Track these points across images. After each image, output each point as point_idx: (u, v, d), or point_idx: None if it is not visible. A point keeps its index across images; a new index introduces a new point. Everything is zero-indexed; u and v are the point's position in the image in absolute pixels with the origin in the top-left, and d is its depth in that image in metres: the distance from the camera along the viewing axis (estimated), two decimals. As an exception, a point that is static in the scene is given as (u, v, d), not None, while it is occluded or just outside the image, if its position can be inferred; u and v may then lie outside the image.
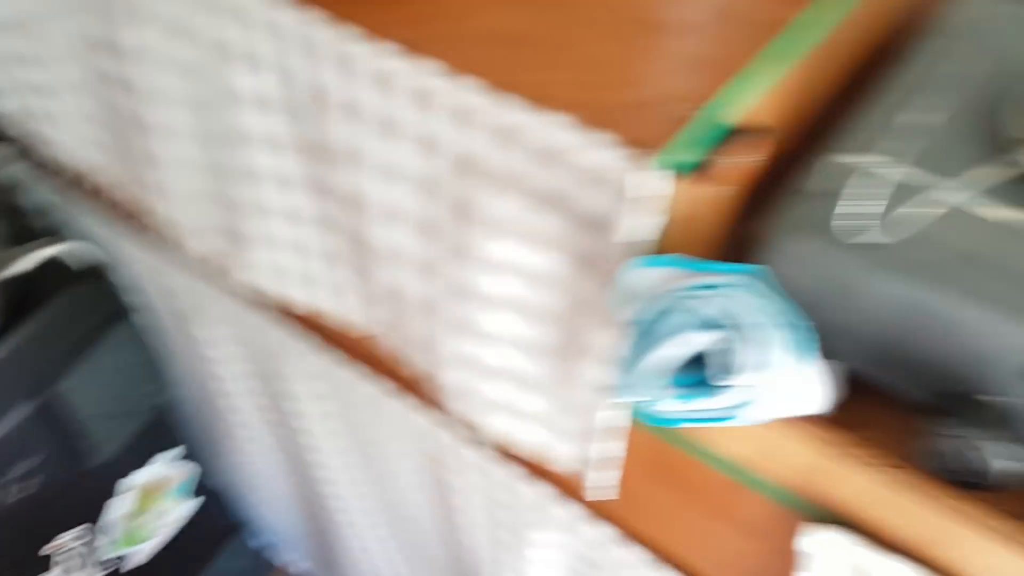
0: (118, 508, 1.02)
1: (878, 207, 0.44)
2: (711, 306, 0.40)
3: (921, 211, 0.43)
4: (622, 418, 0.52)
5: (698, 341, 0.40)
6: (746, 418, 0.40)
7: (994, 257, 0.43)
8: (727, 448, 0.49)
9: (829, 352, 0.48)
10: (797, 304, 0.47)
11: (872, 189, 0.44)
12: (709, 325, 0.40)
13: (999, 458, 0.41)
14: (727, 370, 0.39)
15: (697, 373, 0.41)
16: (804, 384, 0.44)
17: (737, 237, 0.49)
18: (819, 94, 0.52)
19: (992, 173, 0.45)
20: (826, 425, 0.45)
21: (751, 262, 0.48)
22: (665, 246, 0.44)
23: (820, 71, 0.50)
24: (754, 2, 0.49)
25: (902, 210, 0.44)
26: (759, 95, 0.45)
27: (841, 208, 0.45)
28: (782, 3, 0.48)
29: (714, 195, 0.43)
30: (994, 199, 0.44)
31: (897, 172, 0.45)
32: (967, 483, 0.43)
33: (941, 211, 0.44)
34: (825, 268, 0.45)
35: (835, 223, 0.45)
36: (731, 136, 0.42)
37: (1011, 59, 0.53)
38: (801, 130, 0.53)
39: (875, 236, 0.44)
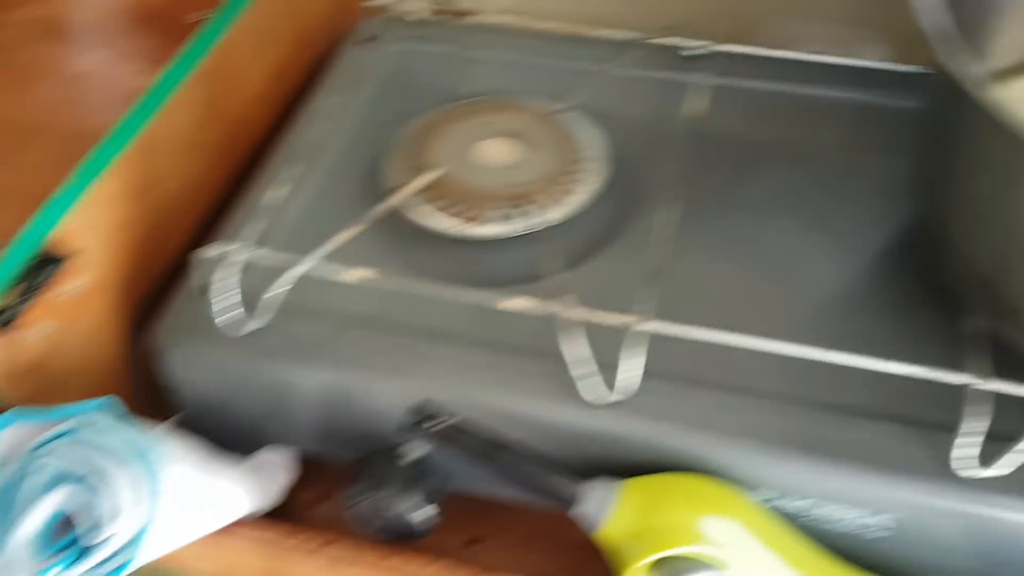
0: None
1: (251, 294, 0.44)
2: (62, 458, 0.37)
3: (284, 289, 0.44)
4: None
5: (57, 501, 0.37)
6: (146, 556, 0.38)
7: (359, 317, 0.44)
8: (195, 568, 0.47)
9: (272, 440, 0.48)
10: (217, 403, 0.46)
11: (236, 278, 0.44)
12: (63, 479, 0.37)
13: (415, 509, 0.42)
14: (96, 521, 0.37)
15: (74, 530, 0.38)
16: (216, 492, 0.43)
17: (141, 351, 0.47)
18: (182, 184, 0.51)
19: (359, 230, 0.46)
20: (267, 522, 0.45)
21: (158, 376, 0.46)
22: (12, 401, 0.40)
23: (154, 166, 0.49)
24: (72, 115, 0.47)
25: (270, 293, 0.43)
26: (75, 214, 0.42)
27: (217, 303, 0.44)
28: (103, 110, 0.47)
29: (45, 333, 0.41)
30: (358, 257, 0.46)
31: (262, 254, 0.45)
32: (403, 536, 0.44)
33: (309, 284, 0.44)
34: (221, 366, 0.44)
35: (218, 319, 0.44)
36: (40, 269, 0.39)
37: (394, 106, 0.55)
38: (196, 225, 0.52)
39: (252, 324, 0.44)
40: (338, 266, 0.44)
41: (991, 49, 0.44)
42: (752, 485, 0.40)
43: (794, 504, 0.41)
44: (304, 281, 0.45)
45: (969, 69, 0.33)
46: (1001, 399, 0.39)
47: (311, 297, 0.45)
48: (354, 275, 0.43)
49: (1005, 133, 0.32)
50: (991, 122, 0.32)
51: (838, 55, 0.59)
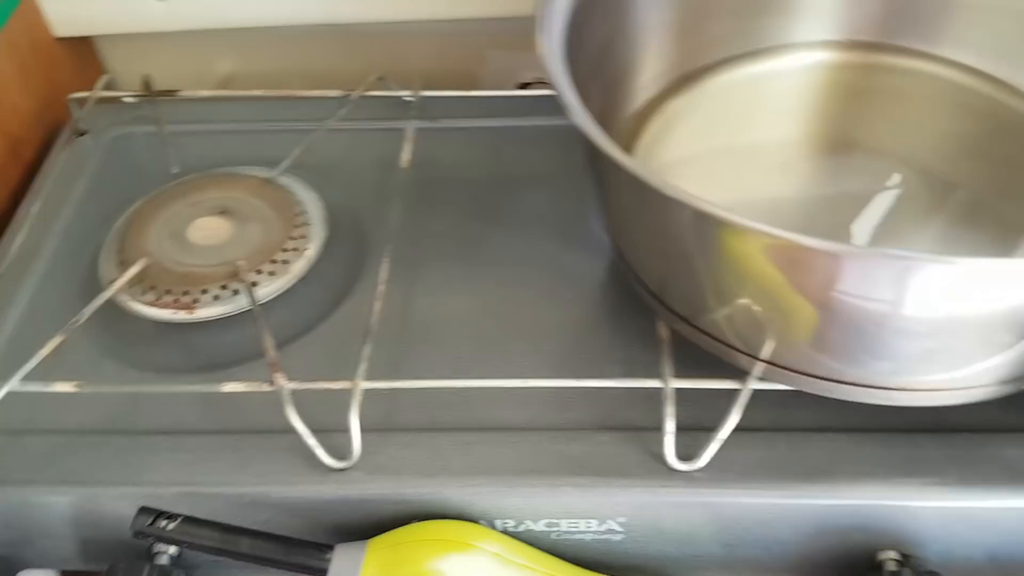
0: None
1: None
2: None
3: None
4: None
5: None
6: None
7: (88, 427, 0.43)
8: None
9: (29, 564, 0.45)
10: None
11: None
12: None
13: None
14: None
15: None
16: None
17: None
18: None
19: (61, 340, 0.45)
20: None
21: None
22: None
23: None
24: None
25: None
26: None
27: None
28: None
29: None
30: (79, 363, 0.45)
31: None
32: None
33: (34, 400, 0.43)
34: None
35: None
36: None
37: (111, 196, 0.54)
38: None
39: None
40: (42, 383, 0.43)
41: (615, 102, 0.47)
42: (492, 517, 0.41)
43: (538, 526, 0.42)
44: (28, 398, 0.43)
45: (589, 124, 0.35)
46: (706, 394, 0.42)
47: (38, 414, 0.44)
48: (61, 387, 0.42)
49: (633, 180, 0.34)
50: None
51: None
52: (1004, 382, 0.37)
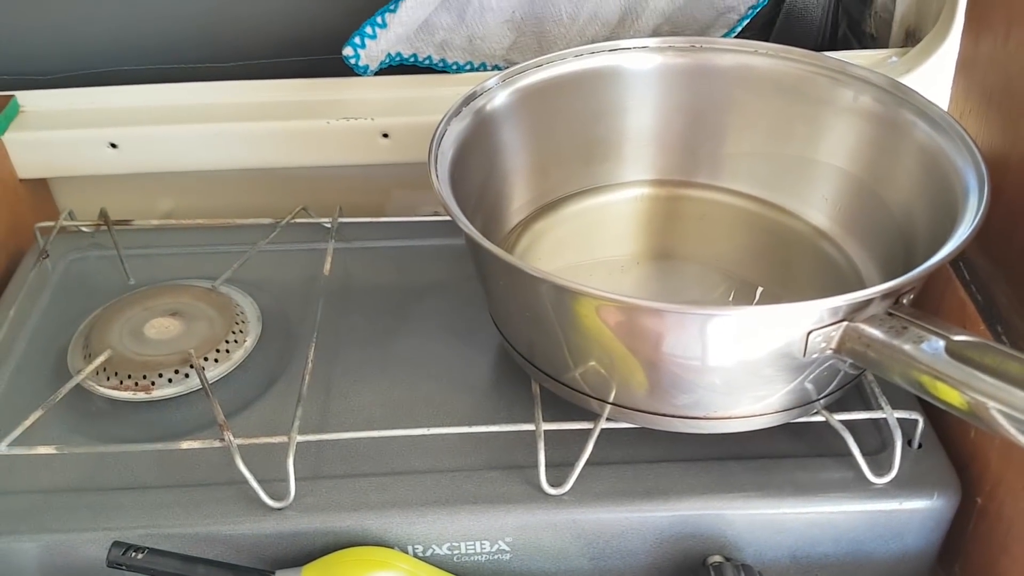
0: None
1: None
2: None
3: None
4: None
5: None
6: None
7: (63, 486, 0.52)
8: None
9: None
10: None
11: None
12: None
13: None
14: None
15: None
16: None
17: None
18: None
19: (40, 415, 0.54)
20: None
21: None
22: None
23: None
24: None
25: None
26: None
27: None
28: None
29: None
30: (52, 436, 0.54)
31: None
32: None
33: (12, 464, 0.52)
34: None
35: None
36: None
37: (71, 307, 0.64)
38: None
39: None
40: (25, 448, 0.52)
41: (493, 225, 0.63)
42: (404, 543, 0.52)
43: (442, 550, 0.52)
44: (8, 462, 0.53)
45: (471, 228, 0.48)
46: (569, 434, 0.53)
47: (16, 478, 0.52)
48: (40, 451, 0.52)
49: (505, 265, 0.47)
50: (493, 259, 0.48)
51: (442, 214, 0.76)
52: (778, 411, 0.50)
